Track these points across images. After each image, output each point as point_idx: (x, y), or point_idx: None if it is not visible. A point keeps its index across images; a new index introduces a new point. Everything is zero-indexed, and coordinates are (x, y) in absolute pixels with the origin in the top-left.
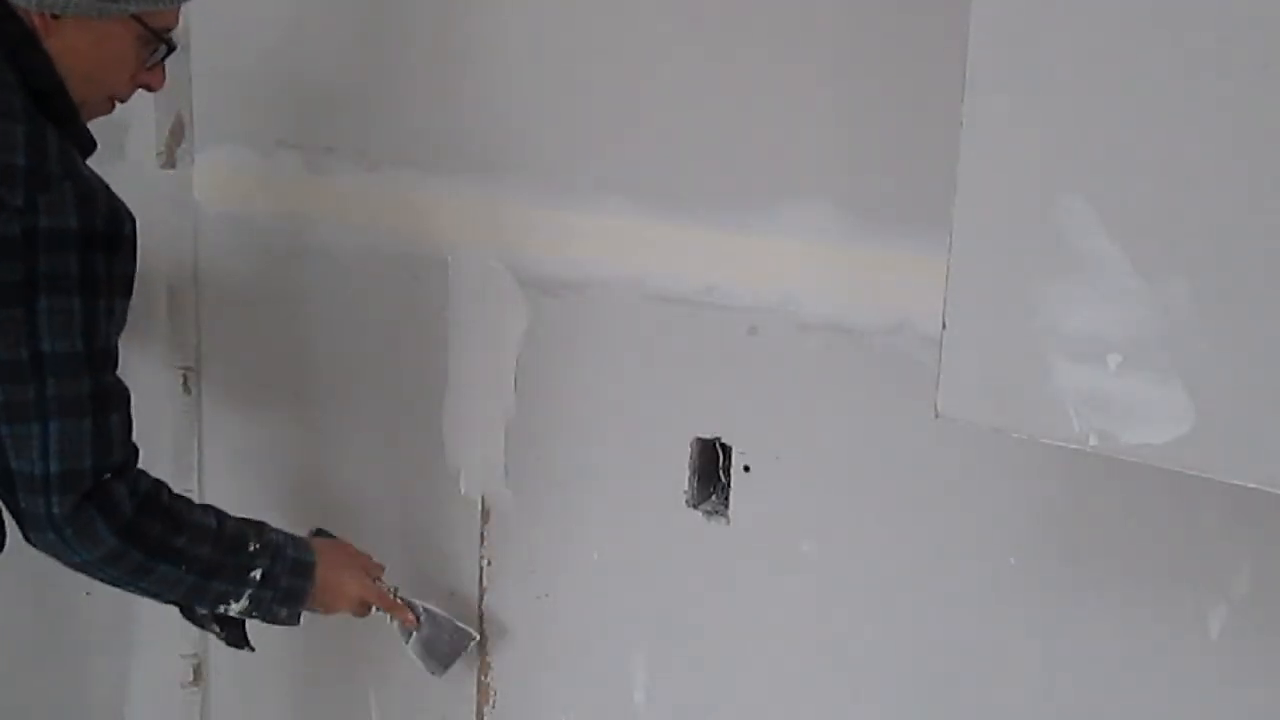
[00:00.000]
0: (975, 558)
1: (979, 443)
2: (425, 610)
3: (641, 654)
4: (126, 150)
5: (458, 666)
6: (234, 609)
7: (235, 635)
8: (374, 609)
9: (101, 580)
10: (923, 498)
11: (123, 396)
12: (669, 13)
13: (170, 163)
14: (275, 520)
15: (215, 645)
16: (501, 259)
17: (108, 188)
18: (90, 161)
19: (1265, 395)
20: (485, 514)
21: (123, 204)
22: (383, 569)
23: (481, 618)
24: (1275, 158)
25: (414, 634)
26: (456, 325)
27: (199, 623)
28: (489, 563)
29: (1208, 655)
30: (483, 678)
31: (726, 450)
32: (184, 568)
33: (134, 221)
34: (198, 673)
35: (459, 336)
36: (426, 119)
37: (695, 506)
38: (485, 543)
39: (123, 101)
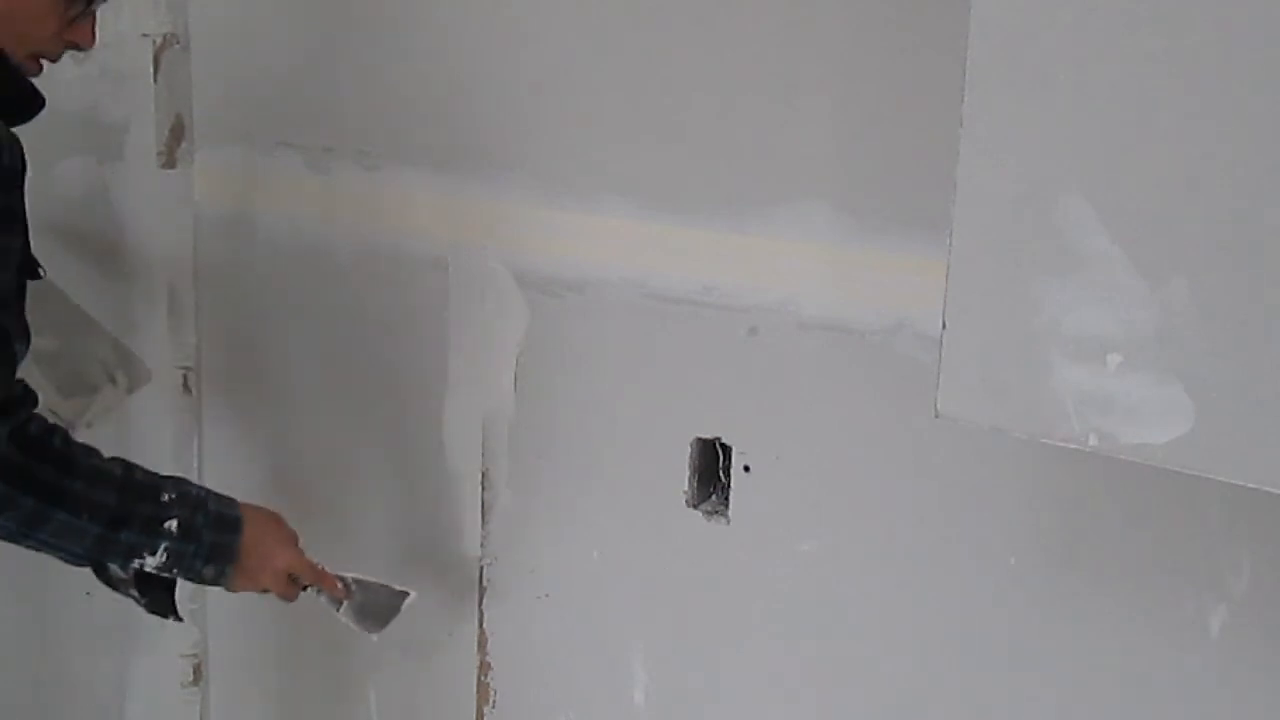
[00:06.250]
0: (975, 558)
1: (979, 443)
2: (355, 580)
3: (641, 654)
4: (126, 150)
5: (396, 625)
6: (150, 564)
7: (159, 601)
8: (302, 588)
9: (2, 536)
10: (923, 497)
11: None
12: (669, 13)
13: (170, 163)
14: None
15: (215, 645)
16: (501, 259)
17: None
18: (90, 161)
19: (1265, 395)
20: (485, 514)
21: (4, 132)
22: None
23: (481, 617)
24: (1275, 157)
25: (344, 603)
26: (456, 325)
27: (116, 585)
28: (489, 563)
29: (1208, 655)
30: (483, 678)
31: (726, 450)
32: (85, 516)
33: (14, 151)
34: (198, 673)
35: (459, 336)
36: (426, 119)
37: (695, 506)
38: (485, 543)
39: (52, 60)
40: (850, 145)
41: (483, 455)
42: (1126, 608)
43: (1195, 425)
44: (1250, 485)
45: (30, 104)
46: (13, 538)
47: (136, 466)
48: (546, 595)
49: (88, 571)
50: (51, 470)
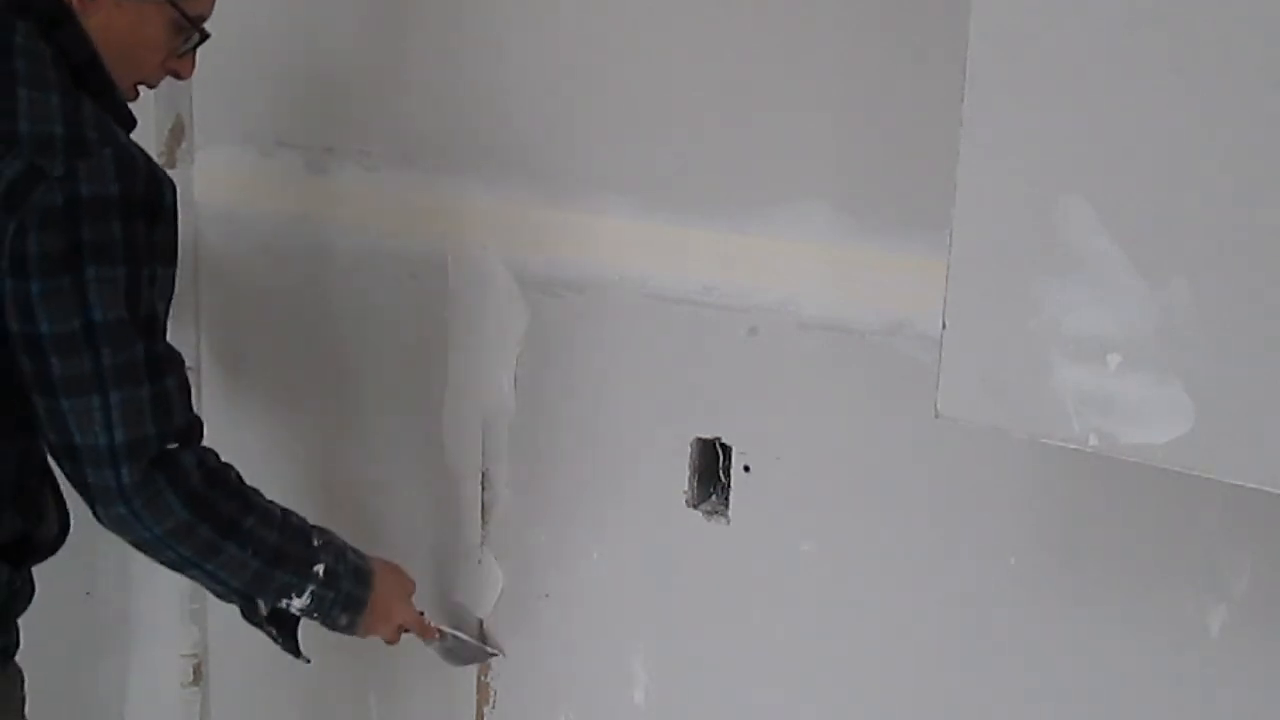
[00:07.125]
0: (975, 558)
1: (979, 443)
2: (453, 636)
3: (641, 654)
4: None
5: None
6: (296, 605)
7: (291, 642)
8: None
9: (167, 562)
10: (923, 498)
11: (176, 361)
12: (669, 14)
13: (170, 163)
14: None
15: (215, 645)
16: (501, 259)
17: (147, 156)
18: None
19: (1265, 395)
20: (485, 514)
21: (162, 172)
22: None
23: (481, 618)
24: (1275, 157)
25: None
26: (456, 325)
27: (257, 623)
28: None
29: (1208, 655)
30: (483, 678)
31: (726, 450)
32: (251, 550)
33: (174, 190)
34: (198, 673)
35: (459, 336)
36: (426, 119)
37: (695, 506)
38: (485, 543)
39: (151, 87)
40: (850, 145)
41: (483, 455)
42: (1126, 608)
43: (1195, 425)
44: (1250, 485)
45: (126, 127)
46: (179, 567)
47: (288, 510)
48: (546, 595)
49: (87, 572)
50: (232, 505)
